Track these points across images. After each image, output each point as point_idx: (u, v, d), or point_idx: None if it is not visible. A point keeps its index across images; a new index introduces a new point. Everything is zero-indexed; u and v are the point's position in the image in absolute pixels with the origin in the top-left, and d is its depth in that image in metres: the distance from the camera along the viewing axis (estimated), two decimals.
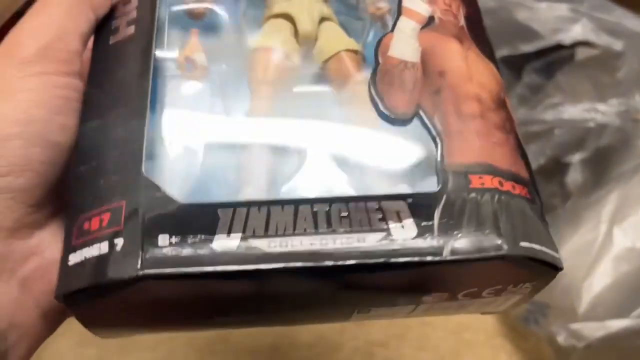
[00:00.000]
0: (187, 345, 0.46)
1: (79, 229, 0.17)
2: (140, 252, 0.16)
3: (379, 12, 0.22)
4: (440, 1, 0.21)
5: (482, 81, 0.20)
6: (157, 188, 0.17)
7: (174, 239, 0.16)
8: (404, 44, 0.20)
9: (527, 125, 0.48)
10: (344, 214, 0.16)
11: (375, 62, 0.21)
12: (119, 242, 0.16)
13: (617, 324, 0.38)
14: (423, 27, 0.21)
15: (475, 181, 0.17)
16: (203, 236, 0.16)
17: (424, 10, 0.21)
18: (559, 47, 0.49)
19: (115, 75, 0.20)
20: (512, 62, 0.53)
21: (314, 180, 0.19)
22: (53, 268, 0.18)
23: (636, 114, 0.46)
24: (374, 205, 0.17)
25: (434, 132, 0.19)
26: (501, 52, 0.51)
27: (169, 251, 0.16)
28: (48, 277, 0.18)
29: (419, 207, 0.17)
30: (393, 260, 0.16)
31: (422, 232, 0.16)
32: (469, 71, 0.20)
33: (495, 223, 0.17)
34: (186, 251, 0.16)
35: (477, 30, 0.22)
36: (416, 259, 0.16)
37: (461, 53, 0.20)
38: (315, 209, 0.16)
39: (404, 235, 0.16)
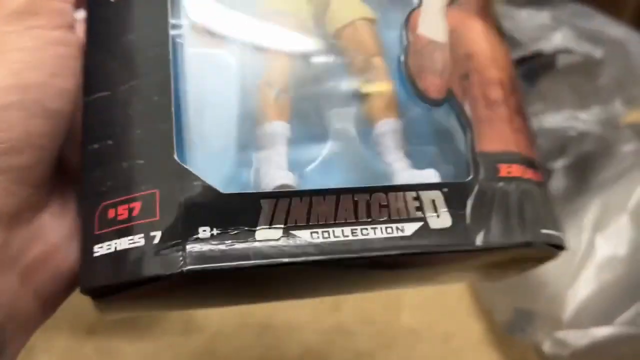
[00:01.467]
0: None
1: (102, 218, 0.16)
2: (182, 246, 0.15)
3: None
4: None
5: (502, 63, 0.20)
6: (195, 176, 0.16)
7: (215, 231, 0.15)
8: (432, 22, 0.20)
9: None
10: (384, 203, 0.17)
11: (406, 39, 0.20)
12: (157, 234, 0.15)
13: (601, 332, 0.38)
14: (449, 4, 0.20)
15: (503, 170, 0.18)
16: (245, 227, 0.16)
17: None
18: (540, 54, 0.50)
19: (123, 40, 0.18)
20: None
21: (338, 164, 0.19)
22: (55, 253, 0.17)
23: (617, 121, 0.46)
24: (412, 194, 0.17)
25: (463, 119, 0.19)
26: None
27: (211, 244, 0.15)
28: (50, 264, 0.17)
29: (453, 196, 0.17)
30: (433, 250, 0.17)
31: (456, 222, 0.17)
32: (493, 53, 0.20)
33: (521, 213, 0.18)
34: (229, 244, 0.15)
35: (491, 7, 0.21)
36: (453, 248, 0.17)
37: (485, 33, 0.20)
38: (356, 199, 0.17)
39: (439, 224, 0.17)
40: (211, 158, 0.18)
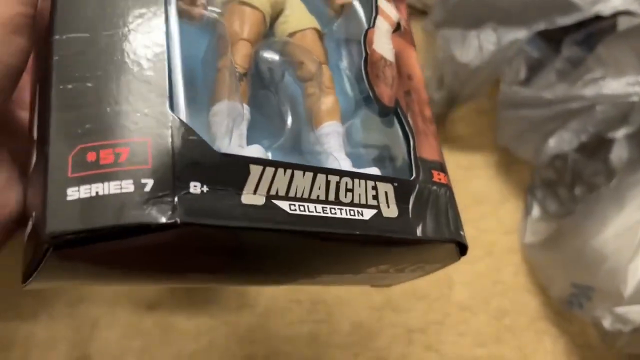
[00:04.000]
0: (228, 335, 0.47)
1: (79, 160, 0.15)
2: (172, 198, 0.15)
3: (344, 2, 0.24)
4: (402, 9, 0.24)
5: (424, 87, 0.23)
6: (191, 131, 0.16)
7: (205, 188, 0.15)
8: (383, 42, 0.23)
9: (566, 102, 0.46)
10: (350, 187, 0.19)
11: (364, 52, 0.22)
12: (148, 182, 0.15)
13: None
14: (393, 31, 0.23)
15: (436, 176, 0.21)
16: (232, 189, 0.16)
17: (394, 15, 0.23)
18: (599, 17, 0.47)
19: None
20: (551, 35, 0.51)
21: (284, 154, 0.20)
22: None
23: None
24: (371, 183, 0.19)
25: (407, 128, 0.22)
26: (538, 27, 0.49)
27: (200, 200, 0.15)
28: None
29: (400, 191, 0.20)
30: (386, 235, 0.19)
31: (401, 213, 0.20)
32: (422, 77, 0.23)
33: (446, 214, 0.21)
34: (218, 203, 0.15)
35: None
36: (400, 235, 0.19)
37: (417, 60, 0.23)
38: (329, 179, 0.18)
39: (389, 214, 0.19)
40: (202, 114, 0.18)
